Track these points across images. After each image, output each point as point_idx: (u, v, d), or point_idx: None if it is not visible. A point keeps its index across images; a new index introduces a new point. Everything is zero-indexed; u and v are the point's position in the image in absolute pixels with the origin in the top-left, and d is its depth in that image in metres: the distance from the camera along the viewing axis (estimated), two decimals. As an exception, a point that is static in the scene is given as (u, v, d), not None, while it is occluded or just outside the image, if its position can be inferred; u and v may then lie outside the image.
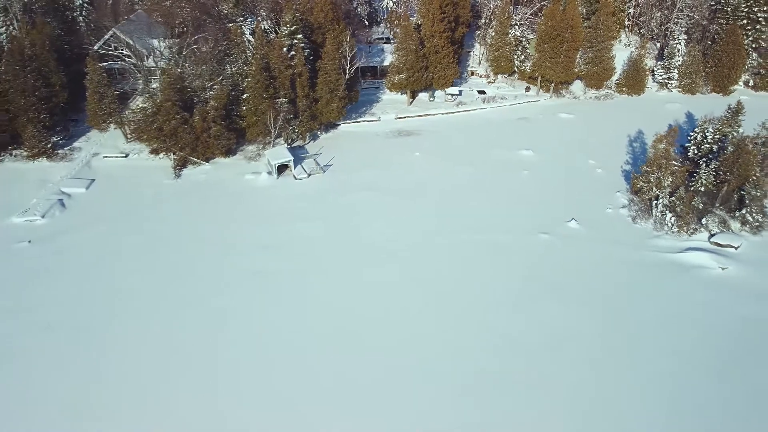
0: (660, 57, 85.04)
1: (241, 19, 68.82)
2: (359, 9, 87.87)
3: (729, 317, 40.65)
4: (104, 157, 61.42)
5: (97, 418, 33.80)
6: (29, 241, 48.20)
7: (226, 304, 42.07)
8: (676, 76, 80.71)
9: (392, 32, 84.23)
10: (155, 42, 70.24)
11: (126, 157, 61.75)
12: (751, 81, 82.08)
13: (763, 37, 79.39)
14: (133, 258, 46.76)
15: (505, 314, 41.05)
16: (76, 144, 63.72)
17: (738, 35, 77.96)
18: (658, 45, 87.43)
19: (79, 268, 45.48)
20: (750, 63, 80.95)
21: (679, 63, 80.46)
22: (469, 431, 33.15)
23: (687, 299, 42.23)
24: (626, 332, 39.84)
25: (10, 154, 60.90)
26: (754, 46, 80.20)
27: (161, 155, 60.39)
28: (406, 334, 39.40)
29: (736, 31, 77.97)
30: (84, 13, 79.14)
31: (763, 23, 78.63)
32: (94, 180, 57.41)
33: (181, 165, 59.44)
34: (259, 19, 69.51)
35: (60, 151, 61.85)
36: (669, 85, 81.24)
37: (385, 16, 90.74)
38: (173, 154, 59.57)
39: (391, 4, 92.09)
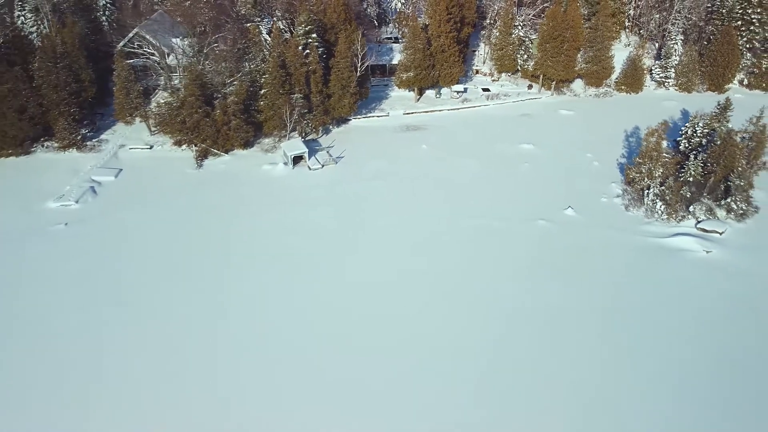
0: (658, 57, 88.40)
1: (259, 19, 72.60)
2: (369, 10, 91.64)
3: (710, 294, 44.27)
4: (130, 149, 65.34)
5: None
6: (65, 224, 52.17)
7: (233, 292, 44.68)
8: (673, 75, 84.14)
9: (400, 32, 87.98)
10: (176, 41, 74.24)
11: (150, 148, 65.70)
12: (746, 80, 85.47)
13: (757, 38, 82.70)
14: (160, 240, 50.38)
15: (504, 297, 44.47)
16: (103, 136, 67.67)
17: (732, 36, 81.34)
18: (657, 45, 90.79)
19: (111, 249, 49.24)
20: (744, 63, 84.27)
21: (676, 62, 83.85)
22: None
23: (673, 278, 45.84)
24: (619, 308, 43.38)
25: (42, 146, 64.85)
26: (748, 46, 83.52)
27: (184, 147, 64.26)
28: (410, 323, 41.99)
29: (730, 32, 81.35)
30: (107, 12, 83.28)
31: (757, 25, 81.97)
32: (121, 169, 61.36)
33: (202, 156, 63.32)
34: (275, 19, 73.28)
35: (89, 143, 65.74)
36: (666, 84, 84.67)
37: (394, 17, 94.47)
38: (195, 145, 63.44)
39: (399, 5, 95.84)
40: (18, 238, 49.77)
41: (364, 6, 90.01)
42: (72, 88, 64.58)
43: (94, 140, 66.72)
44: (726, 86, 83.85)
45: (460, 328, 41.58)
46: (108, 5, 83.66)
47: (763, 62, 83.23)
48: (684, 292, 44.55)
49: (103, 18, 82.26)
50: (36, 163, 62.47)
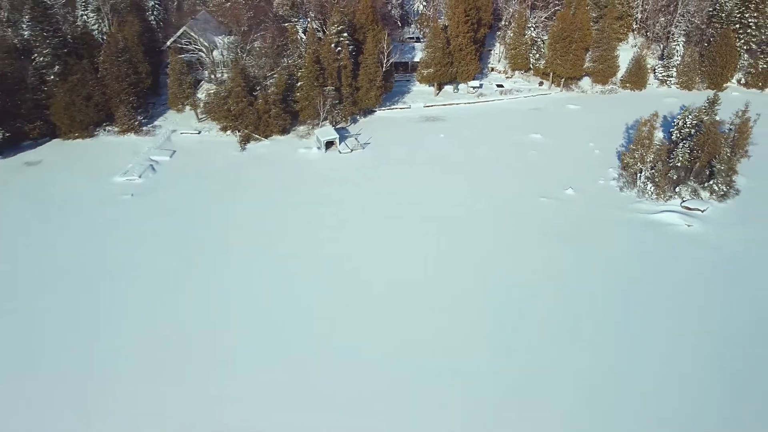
0: (662, 57, 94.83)
1: (296, 19, 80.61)
2: (393, 12, 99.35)
3: (687, 260, 51.07)
4: (181, 133, 73.75)
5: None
6: (132, 195, 60.56)
7: (257, 267, 50.29)
8: (675, 74, 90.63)
9: (422, 32, 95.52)
10: (219, 38, 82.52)
11: (199, 133, 74.06)
12: (743, 79, 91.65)
13: (754, 40, 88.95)
14: (208, 211, 58.10)
15: (508, 258, 51.71)
16: (156, 122, 76.26)
17: (731, 38, 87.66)
18: (662, 46, 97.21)
19: (169, 217, 57.22)
20: (741, 63, 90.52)
21: (678, 62, 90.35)
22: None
23: (657, 246, 52.75)
24: (607, 269, 50.04)
25: (104, 130, 73.50)
26: (745, 48, 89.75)
27: (228, 132, 72.51)
28: (428, 280, 49.53)
29: (729, 35, 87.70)
30: (155, 12, 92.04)
31: (754, 28, 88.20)
32: (175, 151, 69.70)
33: (245, 140, 71.43)
34: (309, 19, 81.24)
35: (144, 128, 74.30)
36: (668, 82, 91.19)
37: (416, 18, 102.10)
38: (239, 131, 71.61)
39: (421, 7, 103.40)
40: (94, 205, 58.27)
41: (389, 8, 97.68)
42: (131, 79, 73.19)
43: (148, 125, 75.25)
44: (724, 85, 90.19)
45: (472, 281, 48.85)
46: (156, 6, 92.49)
47: (760, 63, 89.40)
48: (665, 258, 51.39)
49: (152, 18, 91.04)
50: (100, 145, 71.08)
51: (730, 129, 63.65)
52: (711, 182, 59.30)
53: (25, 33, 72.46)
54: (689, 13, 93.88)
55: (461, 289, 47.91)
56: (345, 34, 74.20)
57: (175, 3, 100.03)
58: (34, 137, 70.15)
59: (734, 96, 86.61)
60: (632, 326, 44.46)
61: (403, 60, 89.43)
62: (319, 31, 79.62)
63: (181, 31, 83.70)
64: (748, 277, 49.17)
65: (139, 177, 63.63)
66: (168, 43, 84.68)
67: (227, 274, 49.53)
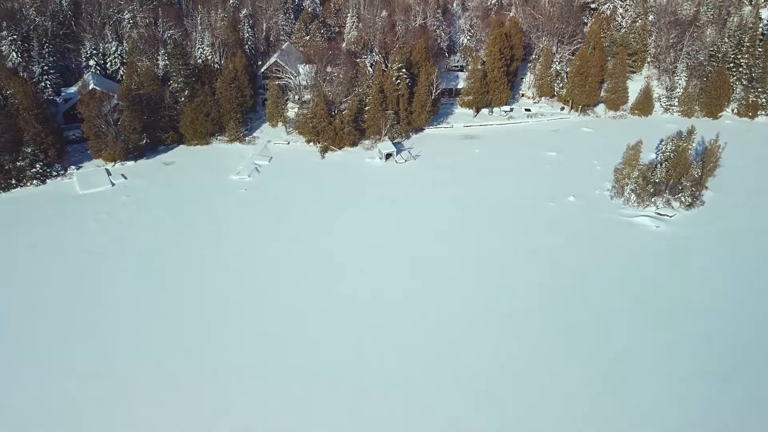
0: (668, 88, 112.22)
1: (365, 56, 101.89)
2: (441, 44, 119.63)
3: (651, 249, 70.07)
4: (275, 143, 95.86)
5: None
6: (245, 189, 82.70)
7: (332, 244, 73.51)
8: (677, 103, 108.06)
9: (465, 62, 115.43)
10: (302, 67, 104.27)
11: (288, 144, 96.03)
12: (736, 109, 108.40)
13: (745, 76, 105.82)
14: (300, 201, 79.42)
15: (517, 242, 71.42)
16: (254, 134, 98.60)
17: (725, 75, 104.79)
18: (669, 79, 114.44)
19: (273, 204, 78.93)
20: (734, 96, 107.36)
21: (680, 93, 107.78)
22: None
23: (628, 238, 72.03)
24: (593, 252, 69.43)
25: (216, 139, 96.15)
26: (737, 83, 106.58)
27: (311, 144, 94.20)
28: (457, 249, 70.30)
29: (723, 72, 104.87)
30: (249, 43, 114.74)
31: (744, 67, 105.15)
32: (272, 157, 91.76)
33: (324, 150, 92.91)
34: (375, 54, 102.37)
35: (246, 138, 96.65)
36: (671, 110, 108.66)
37: (461, 48, 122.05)
38: (319, 143, 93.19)
39: (465, 40, 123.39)
40: (217, 196, 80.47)
41: (438, 42, 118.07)
42: (239, 100, 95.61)
43: (249, 136, 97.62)
44: (719, 114, 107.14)
45: (494, 252, 68.91)
46: (249, 38, 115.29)
47: (750, 96, 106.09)
48: (632, 244, 70.78)
49: (246, 47, 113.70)
50: (214, 150, 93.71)
51: (702, 154, 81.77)
52: (680, 195, 77.65)
53: (160, 63, 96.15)
54: (694, 51, 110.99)
55: (485, 255, 68.74)
56: (403, 70, 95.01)
57: (263, 35, 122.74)
58: (167, 143, 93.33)
59: (727, 123, 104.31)
60: (600, 282, 64.77)
61: (449, 87, 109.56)
62: (382, 63, 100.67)
63: (272, 60, 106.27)
64: (689, 256, 69.61)
65: (248, 176, 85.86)
66: (262, 69, 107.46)
67: (316, 238, 70.84)
